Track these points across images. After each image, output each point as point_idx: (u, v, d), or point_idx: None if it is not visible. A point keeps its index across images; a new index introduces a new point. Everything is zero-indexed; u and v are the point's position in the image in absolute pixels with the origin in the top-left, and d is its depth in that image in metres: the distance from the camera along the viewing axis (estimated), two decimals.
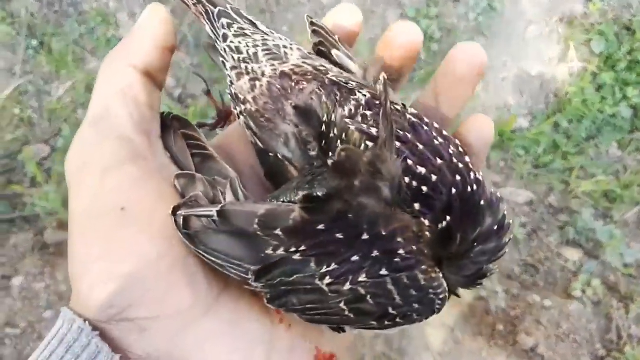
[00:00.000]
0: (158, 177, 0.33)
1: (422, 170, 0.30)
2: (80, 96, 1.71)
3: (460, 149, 0.34)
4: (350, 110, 0.33)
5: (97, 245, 0.30)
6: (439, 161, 0.31)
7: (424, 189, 0.30)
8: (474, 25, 1.92)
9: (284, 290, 0.30)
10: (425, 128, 0.32)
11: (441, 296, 0.32)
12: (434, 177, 0.30)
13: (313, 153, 0.34)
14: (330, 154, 0.31)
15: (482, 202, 0.31)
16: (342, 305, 0.30)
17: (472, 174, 0.32)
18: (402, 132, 0.31)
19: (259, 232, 0.29)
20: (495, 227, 0.31)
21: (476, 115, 0.36)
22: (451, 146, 0.33)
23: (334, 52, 0.38)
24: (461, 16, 1.90)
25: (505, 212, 0.32)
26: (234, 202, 0.31)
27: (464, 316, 1.40)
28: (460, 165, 0.32)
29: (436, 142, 0.32)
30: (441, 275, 0.32)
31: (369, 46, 1.84)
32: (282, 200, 0.32)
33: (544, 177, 1.69)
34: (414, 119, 0.33)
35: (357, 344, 1.31)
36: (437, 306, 0.32)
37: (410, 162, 0.30)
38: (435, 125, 0.34)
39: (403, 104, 0.35)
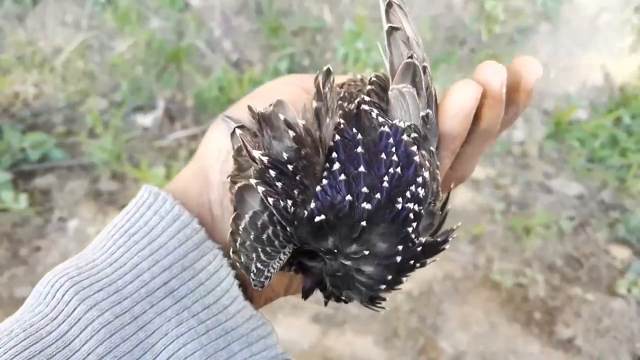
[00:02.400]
0: None
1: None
2: (141, 52, 1.75)
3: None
4: None
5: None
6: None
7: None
8: (541, 10, 1.84)
9: None
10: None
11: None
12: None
13: None
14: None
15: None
16: None
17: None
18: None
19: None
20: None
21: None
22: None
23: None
24: None
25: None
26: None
27: (501, 301, 1.39)
28: None
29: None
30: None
31: (430, 24, 1.81)
32: None
33: (598, 172, 1.63)
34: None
35: (390, 318, 1.32)
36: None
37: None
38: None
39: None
